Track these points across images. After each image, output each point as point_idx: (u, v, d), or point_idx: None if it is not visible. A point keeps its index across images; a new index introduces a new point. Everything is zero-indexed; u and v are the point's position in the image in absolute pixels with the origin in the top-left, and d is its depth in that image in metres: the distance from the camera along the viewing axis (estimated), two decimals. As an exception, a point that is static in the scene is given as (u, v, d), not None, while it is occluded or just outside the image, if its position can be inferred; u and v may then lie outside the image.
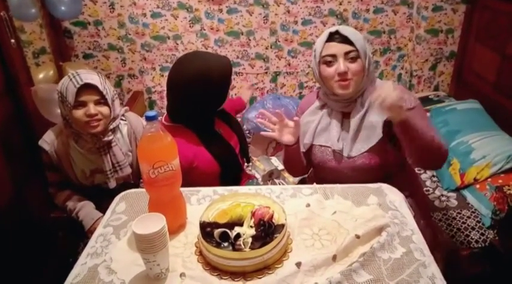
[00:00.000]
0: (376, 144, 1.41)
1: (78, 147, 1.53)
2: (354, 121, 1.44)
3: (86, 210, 1.58)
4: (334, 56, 1.38)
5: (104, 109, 1.47)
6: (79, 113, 1.44)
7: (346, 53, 1.36)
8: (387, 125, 1.38)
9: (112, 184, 1.57)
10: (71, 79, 1.42)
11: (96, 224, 1.50)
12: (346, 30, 1.37)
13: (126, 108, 1.64)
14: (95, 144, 1.52)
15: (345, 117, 1.48)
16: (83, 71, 1.47)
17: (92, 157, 1.55)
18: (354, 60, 1.37)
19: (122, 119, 1.61)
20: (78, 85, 1.41)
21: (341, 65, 1.36)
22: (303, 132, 1.51)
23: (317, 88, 1.61)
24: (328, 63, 1.39)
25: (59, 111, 1.53)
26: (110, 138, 1.53)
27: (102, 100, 1.46)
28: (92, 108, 1.44)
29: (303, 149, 1.52)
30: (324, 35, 1.40)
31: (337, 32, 1.38)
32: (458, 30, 2.66)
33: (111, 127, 1.53)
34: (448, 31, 2.67)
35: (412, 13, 2.77)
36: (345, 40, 1.36)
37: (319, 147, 1.50)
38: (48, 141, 1.55)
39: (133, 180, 1.66)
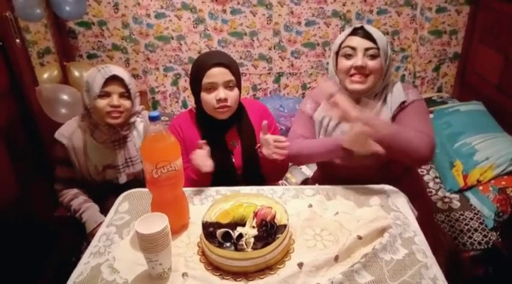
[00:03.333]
0: None
1: (94, 140, 1.55)
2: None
3: (90, 212, 1.58)
4: (354, 49, 1.39)
5: (127, 103, 1.51)
6: (102, 103, 1.48)
7: (367, 49, 1.38)
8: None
9: (122, 179, 1.60)
10: (99, 70, 1.48)
11: (98, 228, 1.51)
12: (370, 28, 1.40)
13: (142, 106, 1.68)
14: (110, 136, 1.55)
15: None
16: (111, 65, 1.53)
17: (107, 151, 1.57)
18: (373, 57, 1.38)
19: (138, 116, 1.63)
20: (106, 76, 1.46)
21: (359, 58, 1.38)
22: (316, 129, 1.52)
23: None
24: (347, 56, 1.41)
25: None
26: (126, 132, 1.58)
27: (126, 94, 1.51)
28: (116, 100, 1.48)
29: None
30: (349, 29, 1.43)
31: (361, 28, 1.40)
32: (462, 31, 2.65)
33: (130, 121, 1.58)
34: (451, 32, 2.67)
35: (415, 14, 2.77)
36: (368, 36, 1.38)
37: None
38: (65, 134, 1.57)
39: (143, 177, 1.67)
